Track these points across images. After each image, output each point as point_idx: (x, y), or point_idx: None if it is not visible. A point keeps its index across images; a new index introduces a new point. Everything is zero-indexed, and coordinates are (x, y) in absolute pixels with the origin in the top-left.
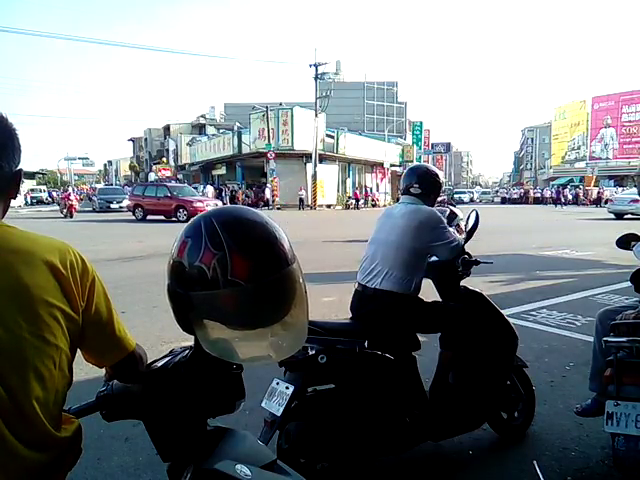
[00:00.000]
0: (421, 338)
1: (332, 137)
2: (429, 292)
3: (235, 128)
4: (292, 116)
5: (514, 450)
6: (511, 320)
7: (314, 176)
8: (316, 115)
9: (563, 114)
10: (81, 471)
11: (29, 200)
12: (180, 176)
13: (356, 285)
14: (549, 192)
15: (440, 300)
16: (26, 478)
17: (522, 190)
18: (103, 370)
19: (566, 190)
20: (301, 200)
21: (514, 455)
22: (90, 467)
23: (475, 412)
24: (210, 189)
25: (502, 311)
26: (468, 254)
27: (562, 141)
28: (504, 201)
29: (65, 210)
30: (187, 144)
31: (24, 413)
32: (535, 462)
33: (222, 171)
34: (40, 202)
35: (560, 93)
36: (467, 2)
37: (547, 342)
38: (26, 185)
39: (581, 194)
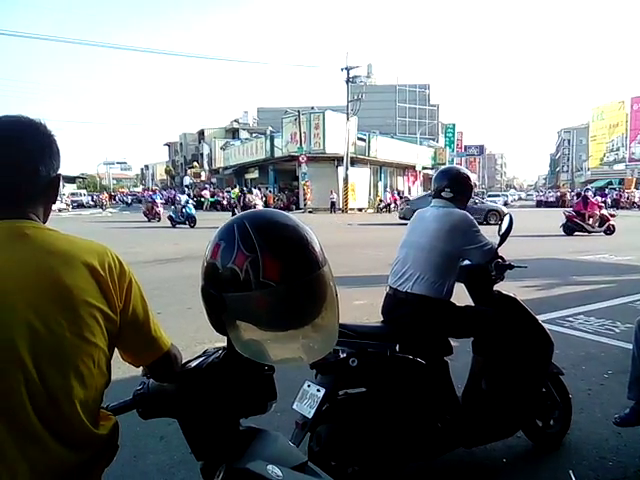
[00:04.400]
0: (453, 343)
1: (364, 140)
2: (462, 296)
3: (268, 132)
4: (324, 120)
5: (549, 459)
6: (546, 326)
7: (345, 179)
8: (348, 118)
9: (601, 115)
10: (118, 468)
11: (70, 203)
12: (214, 180)
13: (387, 288)
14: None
15: (473, 304)
16: (60, 475)
17: (558, 193)
18: (140, 369)
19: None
20: (332, 203)
21: (549, 464)
22: (126, 464)
23: (509, 419)
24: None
25: (537, 316)
26: (502, 258)
27: (600, 142)
28: (539, 204)
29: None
30: (221, 148)
31: (62, 410)
32: (571, 471)
33: (255, 175)
34: (81, 205)
35: (598, 93)
36: (502, 2)
37: (584, 349)
38: (67, 189)
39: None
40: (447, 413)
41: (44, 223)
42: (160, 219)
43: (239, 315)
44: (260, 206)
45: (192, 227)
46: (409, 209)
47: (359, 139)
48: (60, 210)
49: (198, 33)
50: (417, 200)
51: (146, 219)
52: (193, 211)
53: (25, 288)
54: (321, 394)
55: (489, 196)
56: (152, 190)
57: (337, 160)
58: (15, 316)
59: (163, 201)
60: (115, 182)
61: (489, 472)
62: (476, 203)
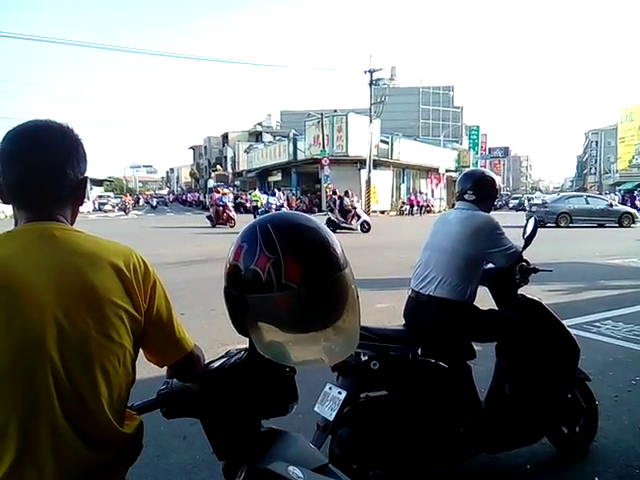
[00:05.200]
0: (477, 347)
1: (386, 143)
2: (485, 300)
3: (290, 135)
4: (347, 122)
5: (575, 466)
6: (573, 331)
7: (368, 182)
8: (370, 121)
9: (630, 116)
10: (141, 467)
11: (97, 206)
12: (237, 182)
13: (409, 292)
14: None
15: (497, 308)
16: (85, 474)
17: None
18: (165, 370)
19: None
20: None
21: (575, 471)
22: (150, 463)
23: (533, 425)
24: (279, 195)
25: (563, 321)
26: (526, 261)
27: (629, 144)
28: None
29: None
30: (244, 151)
31: (89, 408)
32: (597, 479)
33: (278, 177)
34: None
35: (626, 94)
36: (526, 1)
37: (612, 355)
38: (94, 192)
39: None
40: (470, 418)
41: (72, 224)
42: (234, 224)
43: (261, 316)
44: (359, 209)
45: None
46: (547, 212)
47: (382, 142)
48: (106, 211)
49: (223, 37)
50: (555, 202)
51: (209, 224)
52: None
53: (54, 288)
54: (342, 397)
55: (514, 199)
56: (217, 191)
57: (360, 163)
58: (45, 315)
59: (233, 203)
60: (141, 185)
61: (513, 478)
62: (611, 205)
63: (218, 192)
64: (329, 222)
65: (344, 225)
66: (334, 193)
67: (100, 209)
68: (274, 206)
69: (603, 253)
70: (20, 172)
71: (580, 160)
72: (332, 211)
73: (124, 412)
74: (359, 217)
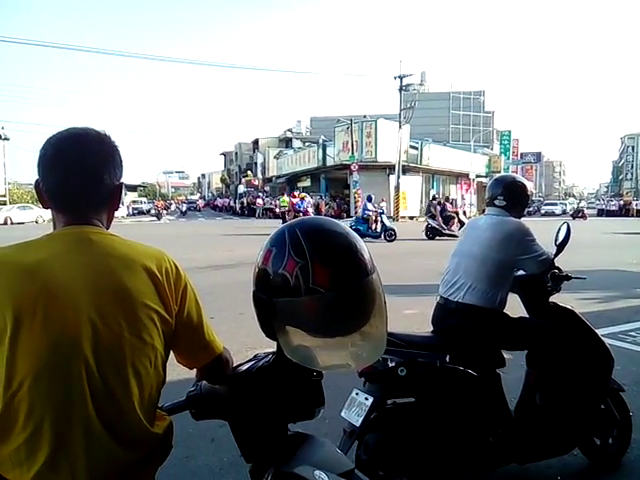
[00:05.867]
0: (507, 355)
1: (416, 148)
2: (516, 308)
3: (320, 141)
4: (376, 128)
5: (607, 478)
6: (607, 340)
7: (397, 187)
8: (400, 127)
9: None
10: (170, 467)
11: (131, 211)
12: (267, 188)
13: (438, 298)
14: None
15: (527, 316)
16: (116, 472)
17: (621, 202)
18: (194, 372)
19: None
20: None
21: None
22: (178, 464)
23: (565, 436)
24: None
25: (596, 330)
26: (558, 269)
27: None
28: (600, 213)
29: None
30: (274, 157)
31: (121, 407)
32: None
33: (307, 183)
34: (141, 212)
35: None
36: (559, 3)
37: None
38: (129, 197)
39: None
40: (499, 427)
41: (107, 229)
42: None
43: (289, 320)
44: (461, 214)
45: (391, 241)
46: None
47: (411, 147)
48: (153, 215)
49: (254, 44)
50: None
51: None
52: (387, 221)
53: (89, 289)
54: (369, 402)
55: (546, 204)
56: (294, 195)
57: (389, 168)
58: (80, 316)
59: (313, 209)
60: (173, 190)
61: None
62: None
63: (295, 196)
64: (428, 229)
65: (446, 232)
66: (434, 199)
67: (145, 212)
68: (372, 213)
69: (639, 261)
70: (59, 178)
71: (615, 165)
72: (433, 217)
73: (155, 413)
74: (462, 223)
